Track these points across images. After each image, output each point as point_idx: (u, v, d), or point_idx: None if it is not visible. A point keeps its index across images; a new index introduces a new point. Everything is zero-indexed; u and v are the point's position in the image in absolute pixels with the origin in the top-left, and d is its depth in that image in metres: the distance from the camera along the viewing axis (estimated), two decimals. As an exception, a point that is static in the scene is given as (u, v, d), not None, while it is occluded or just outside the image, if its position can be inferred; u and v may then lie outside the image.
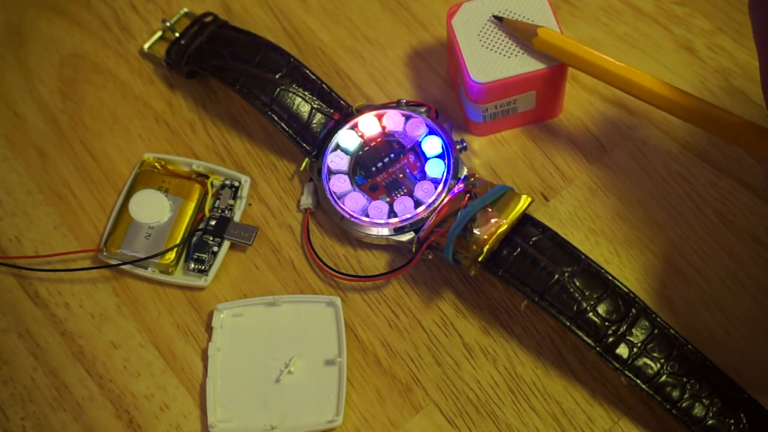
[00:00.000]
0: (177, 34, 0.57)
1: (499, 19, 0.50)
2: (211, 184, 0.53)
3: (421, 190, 0.50)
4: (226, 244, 0.51)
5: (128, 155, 0.55)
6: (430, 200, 0.50)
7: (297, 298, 0.50)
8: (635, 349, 0.44)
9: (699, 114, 0.46)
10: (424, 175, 0.51)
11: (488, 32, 0.50)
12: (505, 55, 0.49)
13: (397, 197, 0.50)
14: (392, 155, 0.52)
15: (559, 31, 0.49)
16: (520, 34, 0.49)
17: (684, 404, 0.44)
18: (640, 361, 0.44)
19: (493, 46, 0.49)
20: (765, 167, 0.45)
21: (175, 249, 0.51)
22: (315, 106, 0.53)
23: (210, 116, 0.56)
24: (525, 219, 0.47)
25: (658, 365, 0.44)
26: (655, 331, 0.45)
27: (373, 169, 0.52)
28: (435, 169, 0.50)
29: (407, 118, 0.52)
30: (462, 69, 0.49)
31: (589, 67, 0.48)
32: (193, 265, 0.51)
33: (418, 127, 0.52)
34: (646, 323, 0.45)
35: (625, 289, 0.45)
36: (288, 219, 0.53)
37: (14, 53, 0.58)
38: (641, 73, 0.47)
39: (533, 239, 0.46)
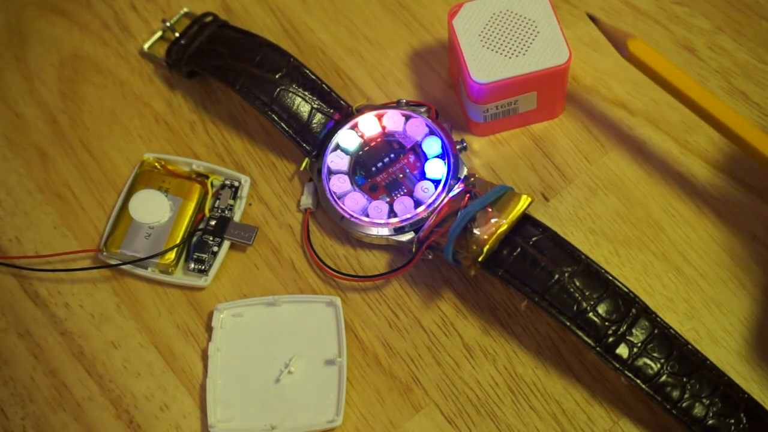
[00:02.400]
0: (177, 34, 0.57)
1: (593, 19, 0.49)
2: (211, 184, 0.53)
3: (421, 190, 0.50)
4: (226, 244, 0.51)
5: (128, 155, 0.55)
6: (430, 200, 0.50)
7: (297, 298, 0.50)
8: (635, 349, 0.44)
9: None
10: (424, 175, 0.51)
11: (489, 32, 0.50)
12: (506, 56, 0.49)
13: (397, 197, 0.50)
14: (392, 155, 0.52)
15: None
16: (612, 40, 0.49)
17: (684, 404, 0.44)
18: (640, 361, 0.44)
19: (495, 46, 0.49)
20: None
21: (175, 249, 0.51)
22: (315, 106, 0.53)
23: (210, 116, 0.56)
24: (525, 219, 0.47)
25: (658, 365, 0.44)
26: (655, 331, 0.45)
27: (373, 169, 0.52)
28: (435, 169, 0.50)
29: (407, 118, 0.52)
30: (463, 69, 0.49)
31: (676, 93, 0.47)
32: (193, 265, 0.51)
33: (418, 127, 0.52)
34: (646, 323, 0.45)
35: (625, 289, 0.45)
36: (288, 219, 0.53)
37: (14, 53, 0.58)
38: (729, 110, 0.46)
39: (533, 239, 0.46)
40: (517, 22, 0.50)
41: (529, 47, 0.49)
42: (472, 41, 0.50)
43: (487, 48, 0.49)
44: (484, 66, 0.49)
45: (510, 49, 0.49)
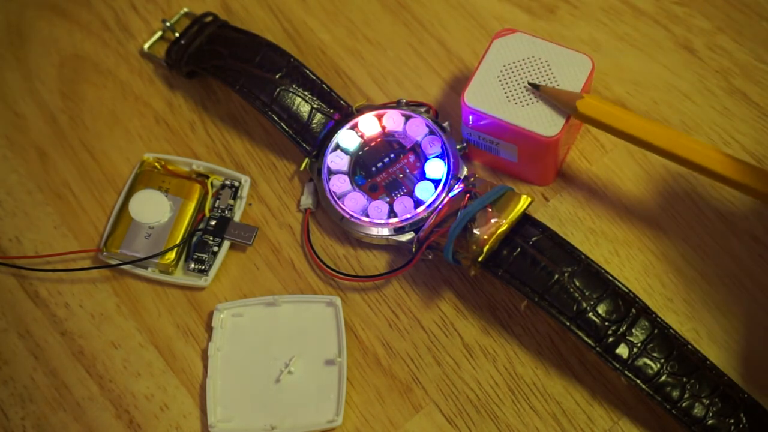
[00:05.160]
0: (177, 34, 0.57)
1: (535, 87, 0.48)
2: (211, 184, 0.53)
3: (421, 190, 0.50)
4: (226, 244, 0.51)
5: (128, 155, 0.55)
6: (430, 200, 0.50)
7: (297, 298, 0.50)
8: (635, 349, 0.44)
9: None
10: (424, 175, 0.51)
11: (514, 69, 0.49)
12: (507, 97, 0.48)
13: (397, 197, 0.50)
14: (392, 155, 0.52)
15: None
16: (561, 104, 0.47)
17: (684, 404, 0.44)
18: (640, 361, 0.44)
19: (506, 84, 0.48)
20: None
21: (175, 249, 0.51)
22: (315, 106, 0.53)
23: (210, 116, 0.56)
24: (525, 219, 0.47)
25: (658, 365, 0.44)
26: (655, 331, 0.45)
27: (373, 169, 0.52)
28: (435, 169, 0.50)
29: (407, 118, 0.52)
30: (467, 83, 0.49)
31: (637, 142, 0.46)
32: (193, 265, 0.51)
33: (418, 127, 0.52)
34: (646, 323, 0.45)
35: (625, 289, 0.45)
36: (288, 219, 0.53)
37: (14, 53, 0.58)
38: (697, 146, 0.45)
39: (533, 239, 0.46)
40: (545, 75, 0.48)
41: (532, 103, 0.48)
42: (493, 67, 0.49)
43: (499, 81, 0.48)
44: (482, 92, 0.48)
45: (516, 94, 0.48)
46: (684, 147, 0.45)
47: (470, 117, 0.49)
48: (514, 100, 0.48)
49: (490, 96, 0.48)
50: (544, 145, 0.48)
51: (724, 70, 0.54)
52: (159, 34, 0.58)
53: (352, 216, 0.50)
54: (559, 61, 0.49)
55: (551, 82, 0.48)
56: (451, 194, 0.49)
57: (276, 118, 0.52)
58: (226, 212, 0.52)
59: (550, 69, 0.49)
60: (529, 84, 0.48)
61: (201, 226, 0.52)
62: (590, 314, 0.45)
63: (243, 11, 0.59)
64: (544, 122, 0.47)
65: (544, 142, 0.47)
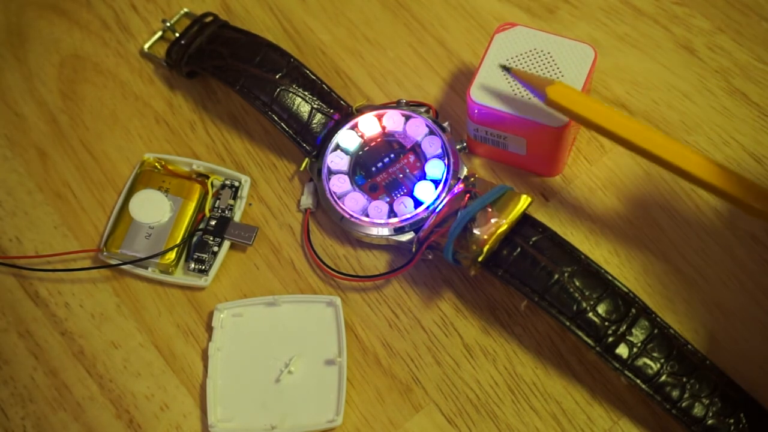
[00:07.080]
0: (177, 34, 0.57)
1: (506, 69, 0.48)
2: (211, 184, 0.53)
3: (421, 190, 0.50)
4: (226, 244, 0.51)
5: (128, 155, 0.55)
6: (430, 200, 0.50)
7: (297, 298, 0.50)
8: (635, 349, 0.44)
9: (732, 191, 0.42)
10: (424, 175, 0.51)
11: (517, 63, 0.49)
12: (513, 91, 0.48)
13: (397, 197, 0.50)
14: (392, 155, 0.52)
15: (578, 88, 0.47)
16: (531, 89, 0.47)
17: (684, 404, 0.44)
18: (640, 361, 0.44)
19: (510, 77, 0.48)
20: None
21: (176, 249, 0.51)
22: (315, 106, 0.53)
23: (210, 116, 0.56)
24: (525, 219, 0.47)
25: (658, 365, 0.44)
26: (655, 331, 0.45)
27: (373, 169, 0.52)
28: (435, 169, 0.50)
29: (407, 118, 0.52)
30: (471, 79, 0.49)
31: (604, 133, 0.45)
32: (193, 265, 0.51)
33: (418, 127, 0.52)
34: (646, 323, 0.45)
35: (625, 289, 0.45)
36: (288, 219, 0.53)
37: (14, 53, 0.58)
38: (668, 144, 0.43)
39: (533, 239, 0.46)
40: (549, 67, 0.49)
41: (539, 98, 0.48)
42: (496, 62, 0.49)
43: (504, 75, 0.48)
44: (487, 87, 0.48)
45: (521, 87, 0.48)
46: (653, 143, 0.44)
47: (477, 113, 0.49)
48: (519, 92, 0.48)
49: (496, 90, 0.48)
50: (554, 135, 0.48)
51: (724, 70, 0.54)
52: (159, 34, 0.58)
53: (352, 216, 0.50)
54: (562, 52, 0.49)
55: (555, 73, 0.48)
56: (451, 194, 0.50)
57: (276, 118, 0.52)
58: (226, 212, 0.52)
59: (552, 60, 0.49)
60: (500, 66, 0.48)
61: (201, 226, 0.52)
62: (590, 314, 0.45)
63: (243, 11, 0.59)
64: (552, 112, 0.47)
65: (553, 132, 0.48)
